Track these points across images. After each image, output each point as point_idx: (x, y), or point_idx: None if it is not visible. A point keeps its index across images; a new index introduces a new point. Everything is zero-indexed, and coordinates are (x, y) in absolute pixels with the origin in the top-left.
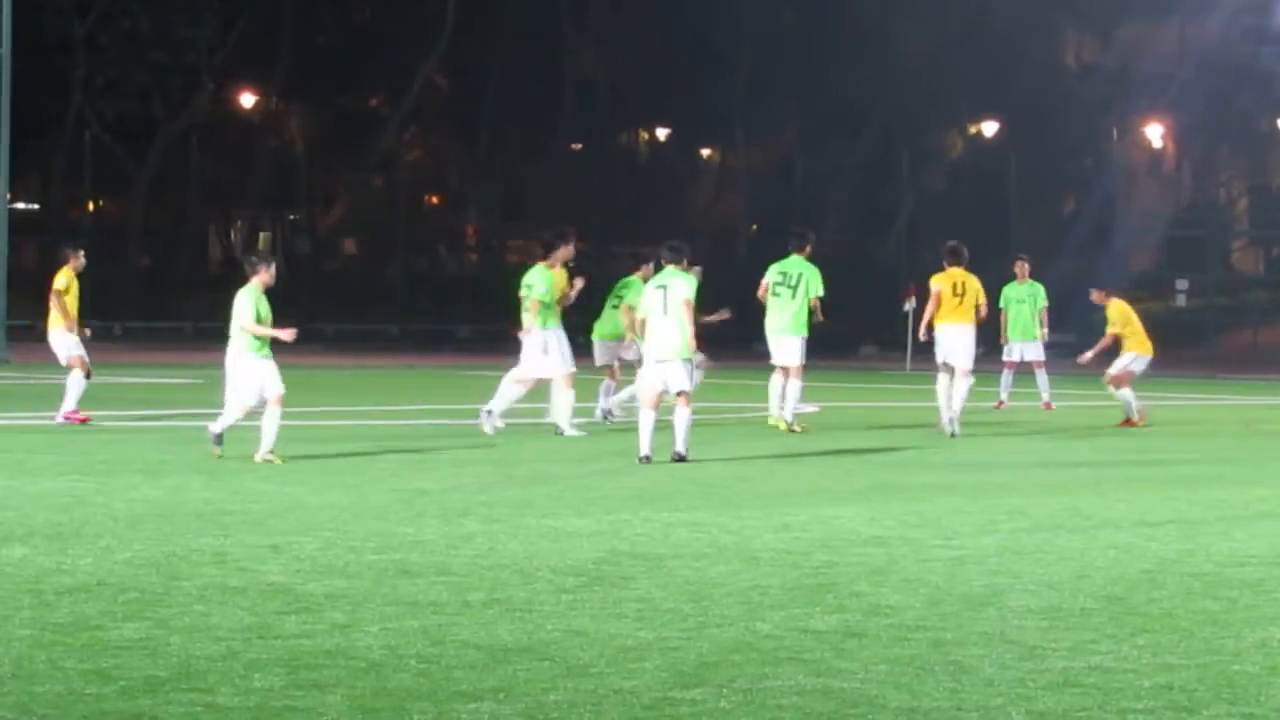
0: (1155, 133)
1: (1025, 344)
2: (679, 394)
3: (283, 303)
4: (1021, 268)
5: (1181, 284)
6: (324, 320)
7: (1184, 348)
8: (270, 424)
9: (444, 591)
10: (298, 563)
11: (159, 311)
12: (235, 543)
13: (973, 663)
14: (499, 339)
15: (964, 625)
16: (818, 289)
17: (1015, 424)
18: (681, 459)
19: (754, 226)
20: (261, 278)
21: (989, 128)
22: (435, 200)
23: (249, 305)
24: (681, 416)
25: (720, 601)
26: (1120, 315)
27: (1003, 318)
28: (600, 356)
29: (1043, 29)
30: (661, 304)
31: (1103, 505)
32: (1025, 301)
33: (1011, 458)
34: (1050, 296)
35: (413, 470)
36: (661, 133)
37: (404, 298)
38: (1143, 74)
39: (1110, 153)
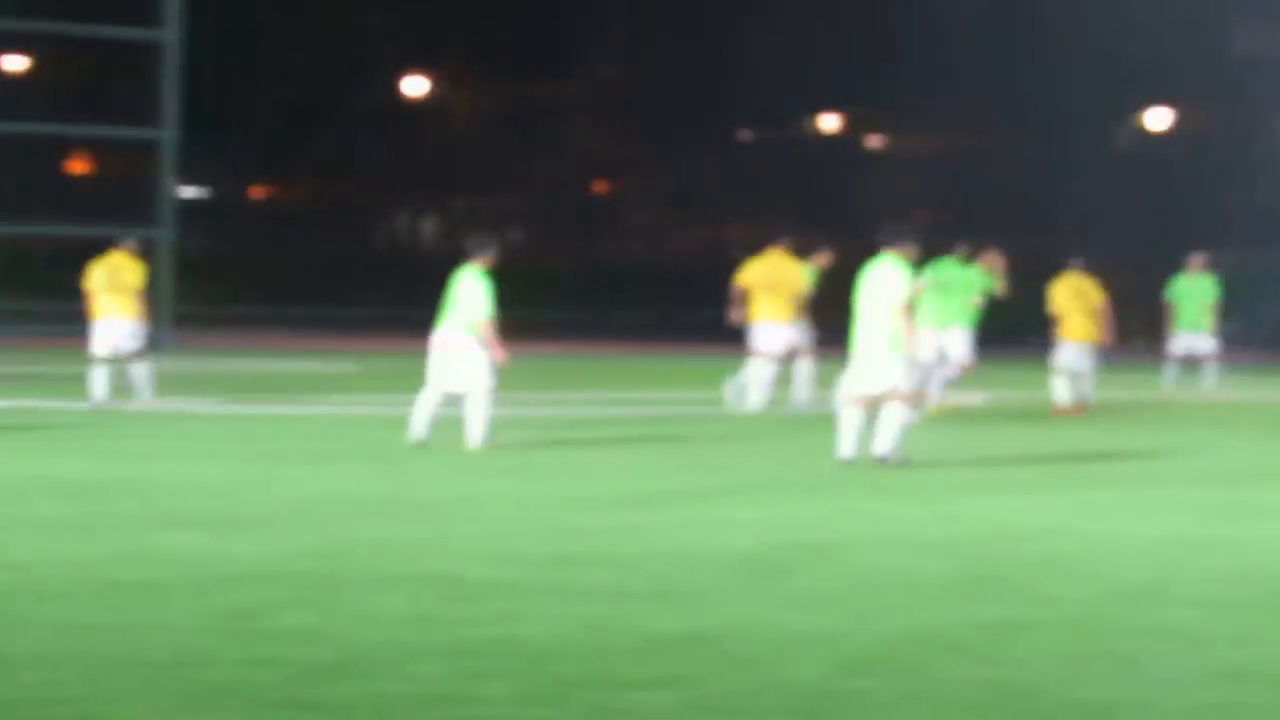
0: None
1: (1195, 335)
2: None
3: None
4: (1196, 260)
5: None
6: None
7: None
8: (479, 413)
9: (606, 580)
10: (460, 551)
11: (324, 297)
12: (398, 531)
13: (1134, 654)
14: (663, 328)
15: (1127, 617)
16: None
17: (1180, 414)
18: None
19: (926, 217)
20: (490, 259)
21: (1161, 117)
22: (604, 188)
23: (485, 292)
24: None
25: (883, 592)
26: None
27: (1170, 310)
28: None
29: (1215, 17)
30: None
31: (1267, 497)
32: (1195, 295)
33: (1175, 448)
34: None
35: (576, 458)
36: (831, 120)
37: (570, 285)
38: None
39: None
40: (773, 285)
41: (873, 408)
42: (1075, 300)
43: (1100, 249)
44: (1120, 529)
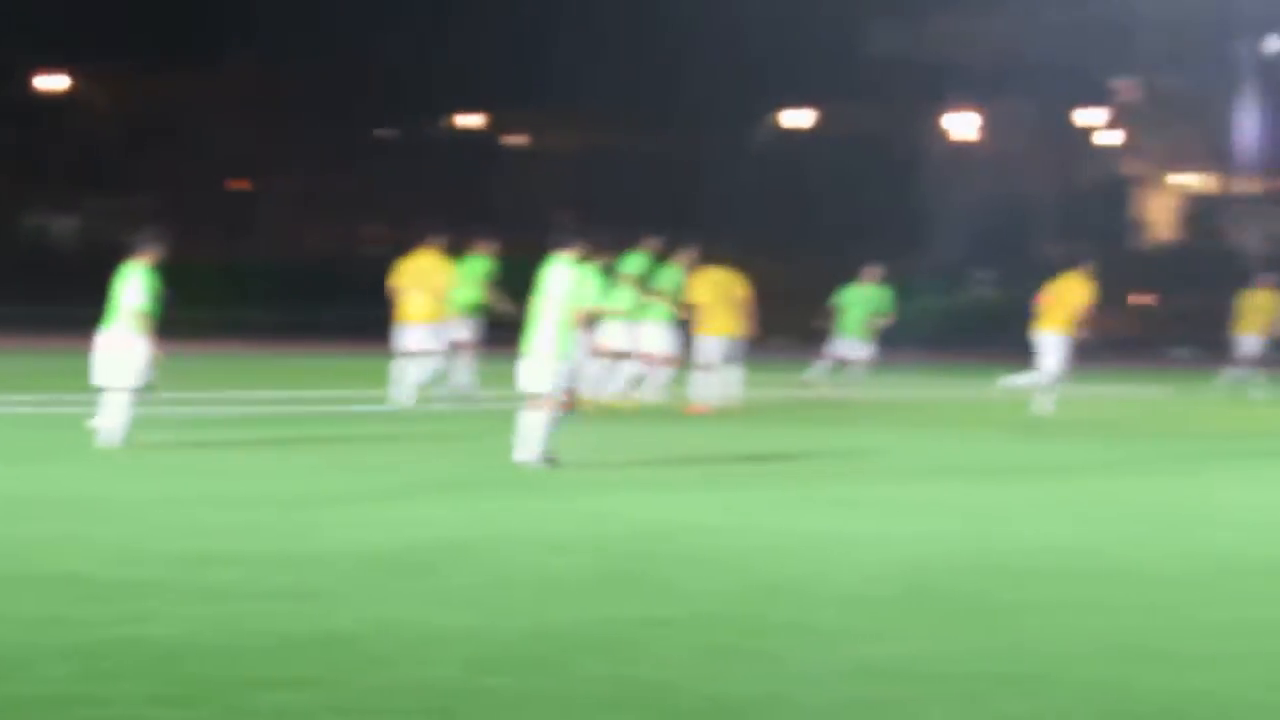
0: (966, 123)
1: (854, 342)
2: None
3: (91, 287)
4: (870, 272)
5: (985, 274)
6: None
7: (992, 336)
8: (118, 412)
9: (243, 579)
10: (95, 551)
11: None
12: (31, 531)
13: (780, 651)
14: (299, 326)
15: (767, 613)
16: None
17: (830, 412)
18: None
19: (565, 216)
20: (155, 255)
21: (801, 117)
22: (245, 186)
23: (146, 288)
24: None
25: (522, 589)
26: None
27: (834, 316)
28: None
29: (855, 19)
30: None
31: (911, 494)
32: (862, 304)
33: (823, 446)
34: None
35: (217, 458)
36: (470, 120)
37: (208, 284)
38: (954, 65)
39: (919, 143)
40: (421, 285)
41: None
42: (715, 294)
43: (741, 245)
44: (764, 526)
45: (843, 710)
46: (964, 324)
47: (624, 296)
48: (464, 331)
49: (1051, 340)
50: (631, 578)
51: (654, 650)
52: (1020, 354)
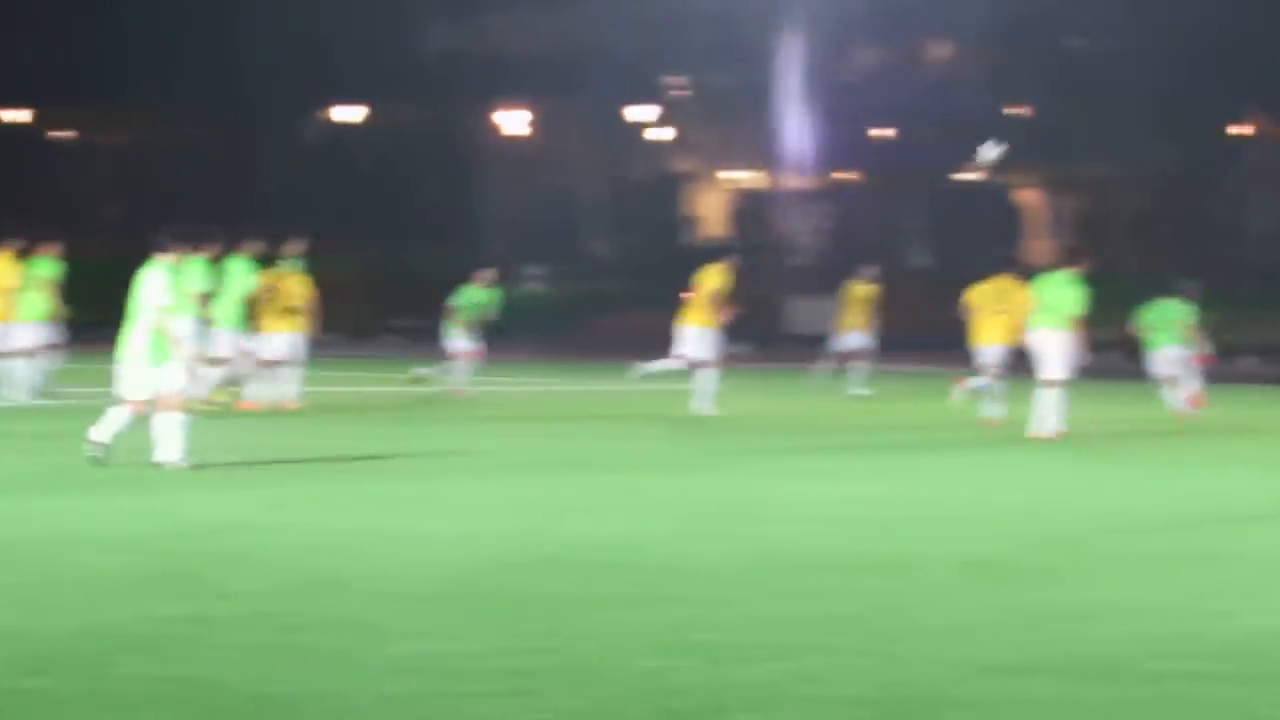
0: (517, 119)
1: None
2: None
3: None
4: (482, 275)
5: (536, 270)
6: None
7: (545, 333)
8: None
9: None
10: None
11: None
12: None
13: (323, 647)
14: None
15: (315, 609)
16: None
17: (410, 409)
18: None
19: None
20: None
21: (353, 113)
22: None
23: None
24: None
25: (70, 588)
26: None
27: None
28: None
29: (412, 15)
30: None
31: (452, 491)
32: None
33: (373, 444)
34: (412, 279)
35: None
36: (20, 115)
37: None
38: (506, 61)
39: (471, 139)
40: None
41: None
42: (285, 293)
43: (300, 241)
44: (314, 524)
45: (390, 705)
46: (517, 320)
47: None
48: (33, 333)
49: (694, 332)
50: (179, 576)
51: (201, 649)
52: (571, 348)
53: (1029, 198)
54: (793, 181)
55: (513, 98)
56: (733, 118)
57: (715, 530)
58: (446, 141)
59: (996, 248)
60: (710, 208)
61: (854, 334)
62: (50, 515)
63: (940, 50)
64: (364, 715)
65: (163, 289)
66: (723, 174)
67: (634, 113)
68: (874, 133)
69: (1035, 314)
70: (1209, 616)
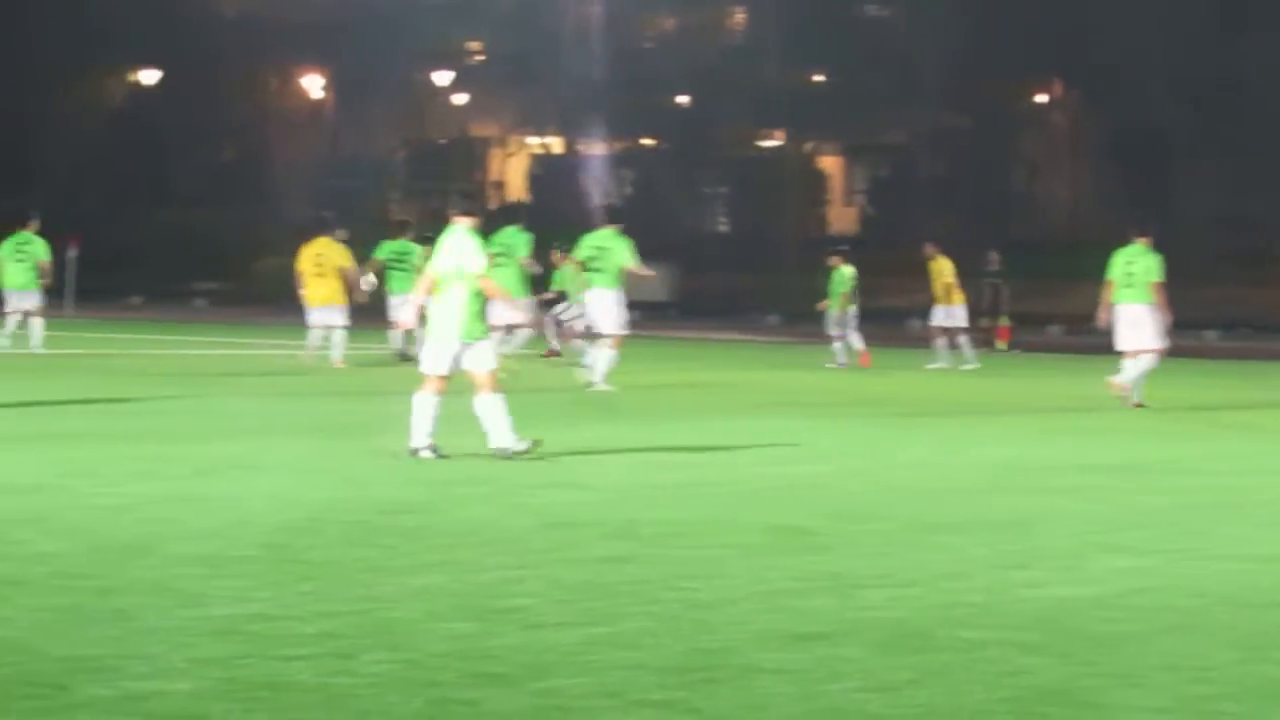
0: (314, 83)
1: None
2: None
3: None
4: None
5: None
6: None
7: None
8: None
9: None
10: None
11: None
12: None
13: (135, 610)
14: None
15: (126, 573)
16: None
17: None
18: None
19: None
20: None
21: (149, 76)
22: None
23: None
24: None
25: None
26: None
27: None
28: None
29: None
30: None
31: (259, 452)
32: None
33: (165, 405)
34: (210, 241)
35: None
36: None
37: None
38: (302, 25)
39: (269, 102)
40: None
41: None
42: None
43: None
44: (116, 485)
45: (207, 668)
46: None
47: None
48: None
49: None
50: None
51: (11, 610)
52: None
53: (829, 165)
54: (591, 147)
55: (308, 61)
56: (530, 82)
57: (496, 497)
58: (243, 106)
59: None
60: (510, 173)
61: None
62: None
63: (738, 17)
64: (180, 678)
65: (475, 252)
66: (521, 138)
67: (434, 76)
68: (673, 99)
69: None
70: (1018, 586)
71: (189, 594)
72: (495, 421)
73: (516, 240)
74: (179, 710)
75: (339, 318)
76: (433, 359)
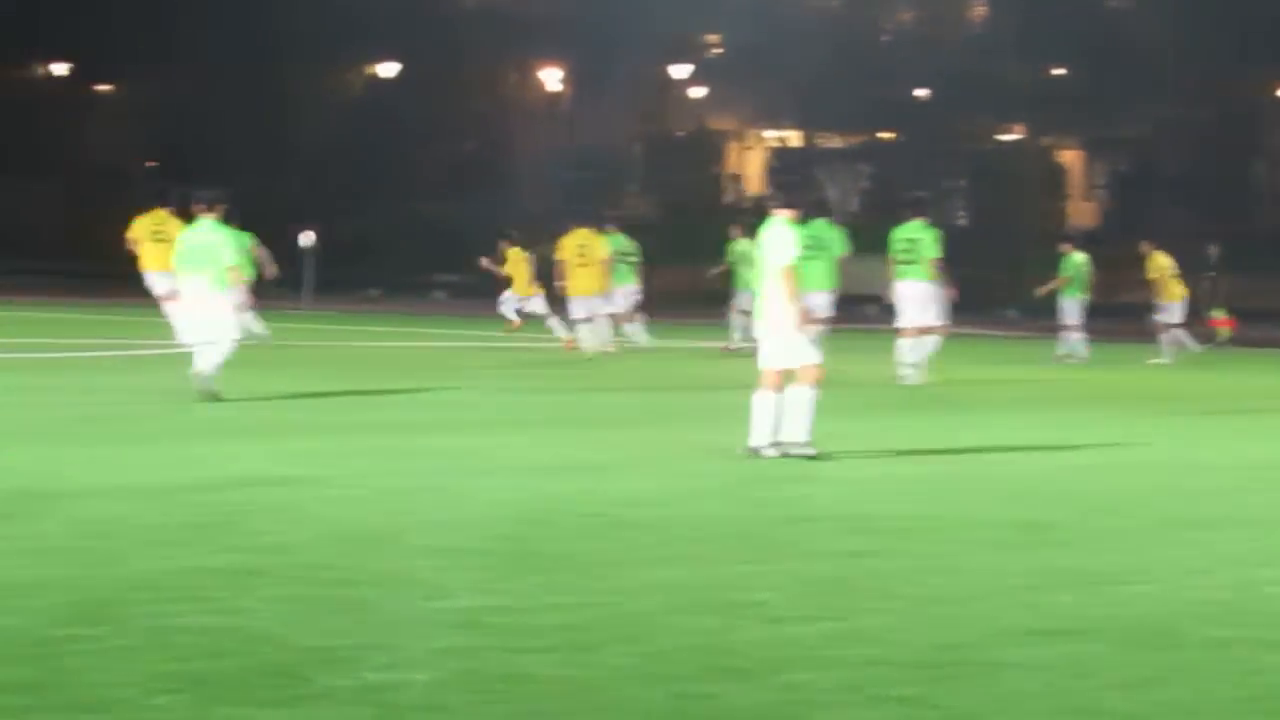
0: (552, 76)
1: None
2: None
3: None
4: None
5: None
6: None
7: None
8: None
9: None
10: None
11: None
12: None
13: (375, 601)
14: None
15: (366, 564)
16: None
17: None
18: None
19: (148, 163)
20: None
21: (388, 69)
22: None
23: None
24: None
25: (115, 539)
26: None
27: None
28: None
29: None
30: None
31: (499, 446)
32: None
33: (407, 397)
34: (450, 233)
35: None
36: (60, 68)
37: None
38: (541, 18)
39: (507, 95)
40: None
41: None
42: None
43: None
44: (357, 477)
45: (445, 659)
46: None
47: None
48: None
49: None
50: (227, 528)
51: (253, 600)
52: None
53: (1069, 159)
54: (828, 140)
55: (548, 55)
56: (767, 75)
57: (737, 490)
58: (483, 98)
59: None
60: (749, 166)
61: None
62: (93, 466)
63: (977, 10)
64: (419, 669)
65: (787, 245)
66: (758, 131)
67: (671, 70)
68: (911, 92)
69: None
70: (1266, 584)
71: (429, 585)
72: (798, 416)
73: (828, 234)
74: (418, 701)
75: (602, 306)
76: (769, 354)
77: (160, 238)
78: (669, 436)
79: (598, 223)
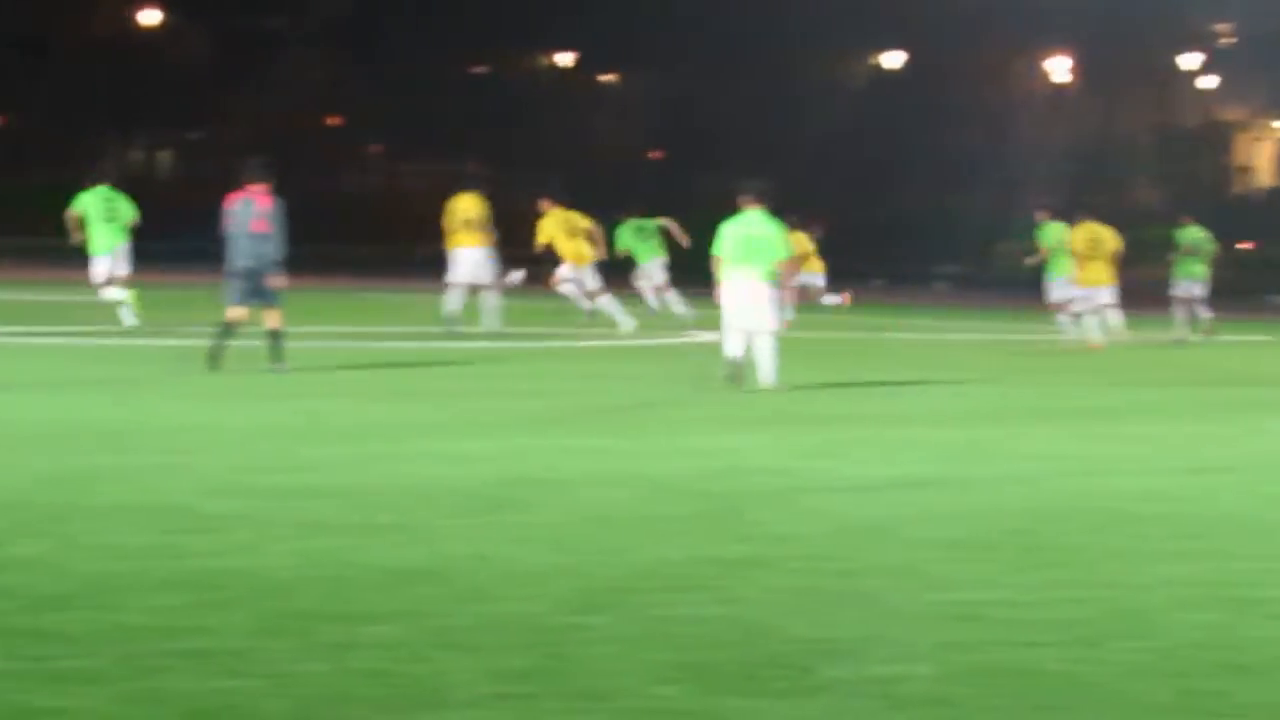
0: (1059, 66)
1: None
2: None
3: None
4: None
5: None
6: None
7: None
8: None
9: (348, 513)
10: (202, 483)
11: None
12: (137, 460)
13: (878, 593)
14: (399, 261)
15: (868, 555)
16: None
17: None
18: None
19: (654, 155)
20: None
21: (893, 59)
22: (336, 122)
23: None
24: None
25: (624, 527)
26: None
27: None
28: None
29: None
30: None
31: (1006, 439)
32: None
33: (911, 388)
34: (967, 228)
35: (316, 392)
36: (564, 58)
37: (303, 219)
38: (1049, 7)
39: (1012, 85)
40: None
41: None
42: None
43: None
44: (859, 468)
45: (952, 652)
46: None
47: None
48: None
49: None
50: (725, 517)
51: (754, 591)
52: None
53: None
54: None
55: (1055, 44)
56: None
57: (1252, 487)
58: (988, 89)
59: None
60: (1258, 158)
61: None
62: (585, 454)
63: None
64: (923, 662)
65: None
66: (1268, 122)
67: (1181, 60)
68: None
69: None
70: None
71: (933, 578)
72: None
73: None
74: (922, 694)
75: (1108, 297)
76: None
77: (573, 233)
78: (1189, 430)
79: (1093, 215)
